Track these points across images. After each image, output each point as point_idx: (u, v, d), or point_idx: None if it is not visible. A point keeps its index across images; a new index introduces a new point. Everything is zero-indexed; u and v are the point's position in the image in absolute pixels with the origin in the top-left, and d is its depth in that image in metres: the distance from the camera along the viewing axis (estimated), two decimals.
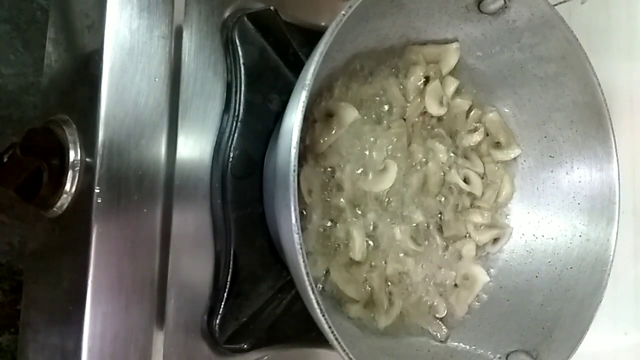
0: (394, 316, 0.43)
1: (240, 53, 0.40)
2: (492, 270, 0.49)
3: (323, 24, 0.46)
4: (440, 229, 0.47)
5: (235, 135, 0.40)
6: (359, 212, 0.43)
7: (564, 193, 0.47)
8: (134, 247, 0.36)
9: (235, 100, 0.40)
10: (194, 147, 0.39)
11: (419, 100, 0.45)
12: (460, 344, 0.45)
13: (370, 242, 0.43)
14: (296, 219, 0.30)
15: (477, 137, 0.48)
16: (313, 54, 0.32)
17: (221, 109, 0.40)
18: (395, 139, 0.44)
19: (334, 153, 0.42)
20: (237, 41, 0.40)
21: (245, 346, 0.39)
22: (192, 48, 0.39)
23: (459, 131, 0.48)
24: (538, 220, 0.49)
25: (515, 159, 0.50)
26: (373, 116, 0.44)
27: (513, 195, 0.50)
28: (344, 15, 0.32)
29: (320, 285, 0.41)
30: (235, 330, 0.39)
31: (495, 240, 0.49)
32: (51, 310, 0.39)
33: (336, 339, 0.31)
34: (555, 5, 0.42)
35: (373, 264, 0.43)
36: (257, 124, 0.40)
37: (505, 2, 0.41)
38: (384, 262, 0.44)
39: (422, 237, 0.46)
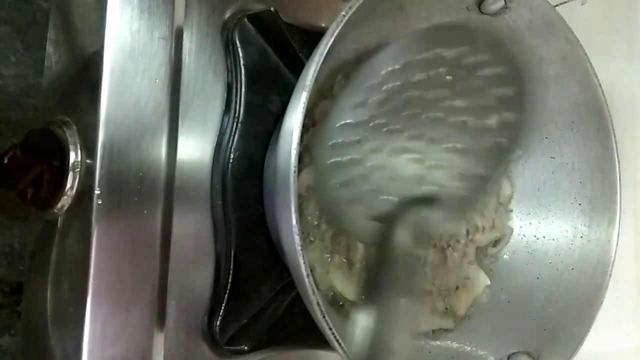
0: None
1: (240, 54, 0.40)
2: (493, 271, 0.49)
3: (323, 25, 0.46)
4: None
5: (236, 136, 0.40)
6: None
7: (565, 194, 0.47)
8: (135, 249, 0.36)
9: (236, 102, 0.40)
10: (195, 148, 0.39)
11: None
12: (461, 345, 0.44)
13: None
14: (296, 220, 0.30)
15: None
16: (313, 55, 0.32)
17: (221, 110, 0.40)
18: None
19: None
20: (238, 42, 0.40)
21: (246, 348, 0.39)
22: (193, 49, 0.39)
23: None
24: (539, 221, 0.49)
25: (516, 160, 0.50)
26: None
27: (513, 196, 0.50)
28: (344, 16, 0.32)
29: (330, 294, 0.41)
30: (235, 331, 0.39)
31: (496, 241, 0.49)
32: (52, 312, 0.39)
33: (337, 340, 0.31)
34: (556, 6, 0.42)
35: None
36: (257, 125, 0.40)
37: (505, 2, 0.41)
38: None
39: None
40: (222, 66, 0.41)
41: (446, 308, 0.46)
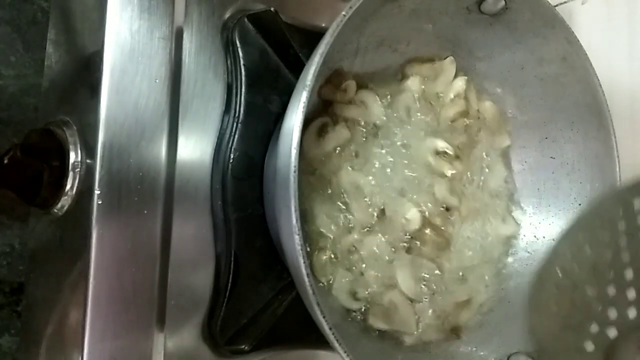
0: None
1: (240, 54, 0.40)
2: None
3: (323, 24, 0.46)
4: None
5: (236, 136, 0.40)
6: None
7: (565, 194, 0.47)
8: (135, 249, 0.36)
9: (236, 102, 0.40)
10: (195, 148, 0.39)
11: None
12: (461, 346, 0.44)
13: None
14: (297, 220, 0.30)
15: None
16: (313, 55, 0.32)
17: (221, 110, 0.40)
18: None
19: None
20: (238, 42, 0.40)
21: (246, 348, 0.39)
22: (193, 49, 0.39)
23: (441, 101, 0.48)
24: (539, 221, 0.49)
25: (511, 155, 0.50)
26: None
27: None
28: (344, 16, 0.32)
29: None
30: (235, 331, 0.39)
31: None
32: (52, 312, 0.39)
33: (337, 340, 0.31)
34: (556, 6, 0.42)
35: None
36: (257, 125, 0.40)
37: (506, 3, 0.41)
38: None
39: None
40: (222, 66, 0.41)
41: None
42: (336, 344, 0.31)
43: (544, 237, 0.48)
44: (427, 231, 0.45)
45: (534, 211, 0.49)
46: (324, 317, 0.30)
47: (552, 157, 0.48)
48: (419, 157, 0.45)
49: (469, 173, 0.48)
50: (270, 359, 0.42)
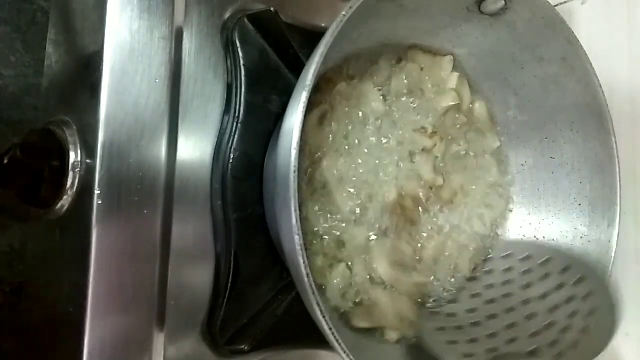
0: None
1: (240, 54, 0.40)
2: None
3: (323, 25, 0.46)
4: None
5: (236, 136, 0.40)
6: None
7: (564, 194, 0.47)
8: (135, 249, 0.36)
9: (236, 102, 0.40)
10: (195, 148, 0.39)
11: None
12: None
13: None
14: (296, 220, 0.30)
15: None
16: (313, 55, 0.32)
17: (221, 110, 0.40)
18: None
19: None
20: (238, 42, 0.40)
21: (246, 348, 0.39)
22: (193, 49, 0.39)
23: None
24: (539, 221, 0.49)
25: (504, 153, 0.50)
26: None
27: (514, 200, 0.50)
28: (344, 16, 0.32)
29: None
30: (235, 332, 0.39)
31: None
32: (52, 312, 0.39)
33: (337, 341, 0.31)
34: (556, 6, 0.42)
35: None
36: (257, 125, 0.41)
37: (506, 3, 0.41)
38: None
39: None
40: (222, 66, 0.41)
41: None
42: (336, 344, 0.31)
43: (543, 237, 0.48)
44: (406, 204, 0.45)
45: (534, 211, 0.49)
46: (324, 317, 0.30)
47: (552, 157, 0.48)
48: (402, 140, 0.45)
49: (451, 155, 0.48)
50: (270, 359, 0.42)
